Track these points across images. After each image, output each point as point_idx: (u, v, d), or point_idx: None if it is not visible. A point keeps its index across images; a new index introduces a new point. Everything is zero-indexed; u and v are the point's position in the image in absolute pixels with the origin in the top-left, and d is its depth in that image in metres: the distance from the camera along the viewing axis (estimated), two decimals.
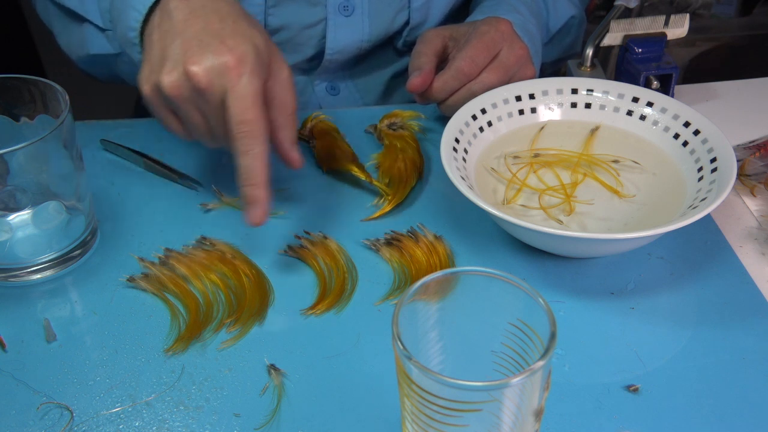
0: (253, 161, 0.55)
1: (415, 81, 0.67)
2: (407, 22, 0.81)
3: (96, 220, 0.62)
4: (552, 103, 0.68)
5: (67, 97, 0.56)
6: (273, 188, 0.54)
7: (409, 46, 0.83)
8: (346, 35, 0.79)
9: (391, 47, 0.85)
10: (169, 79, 0.55)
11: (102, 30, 0.68)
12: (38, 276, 0.59)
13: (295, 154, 0.60)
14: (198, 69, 0.54)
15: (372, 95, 0.87)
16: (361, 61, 0.83)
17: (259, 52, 0.56)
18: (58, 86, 0.57)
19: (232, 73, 0.54)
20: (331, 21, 0.78)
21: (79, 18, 0.70)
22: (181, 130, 0.60)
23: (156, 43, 0.57)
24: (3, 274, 0.58)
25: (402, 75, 0.87)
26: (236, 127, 0.54)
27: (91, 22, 0.68)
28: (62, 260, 0.59)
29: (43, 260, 0.58)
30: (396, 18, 0.80)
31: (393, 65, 0.86)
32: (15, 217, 0.58)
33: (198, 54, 0.54)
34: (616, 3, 0.77)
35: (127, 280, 0.58)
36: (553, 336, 0.37)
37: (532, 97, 0.68)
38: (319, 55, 0.81)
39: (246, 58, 0.54)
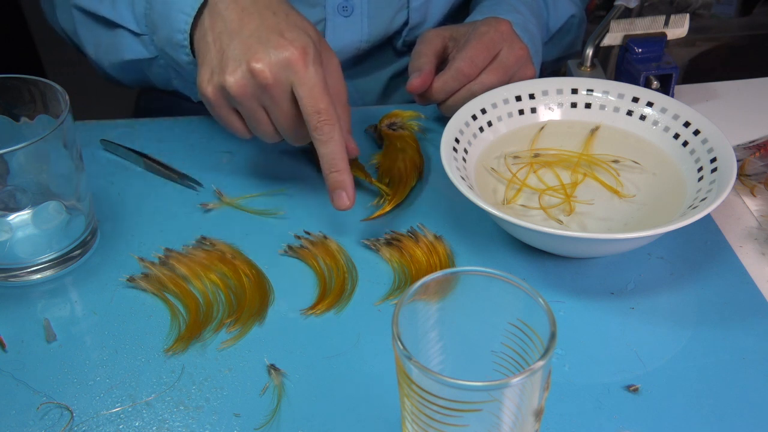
0: (334, 147, 0.57)
1: (414, 82, 0.67)
2: (406, 22, 0.81)
3: (96, 220, 0.62)
4: (552, 103, 0.68)
5: (67, 97, 0.56)
6: (273, 188, 0.54)
7: (409, 46, 0.83)
8: (346, 36, 0.79)
9: (391, 47, 0.85)
10: (234, 78, 0.56)
11: (137, 35, 0.68)
12: (38, 276, 0.59)
13: (352, 143, 0.62)
14: (262, 66, 0.55)
15: (371, 95, 0.87)
16: (360, 61, 0.83)
17: (315, 43, 0.57)
18: (58, 86, 0.57)
19: (298, 65, 0.55)
20: (330, 21, 0.78)
21: (111, 25, 0.69)
22: (243, 129, 0.61)
23: (212, 44, 0.58)
24: (3, 274, 0.58)
25: (401, 75, 0.87)
26: (313, 117, 0.55)
27: (125, 28, 0.68)
28: (62, 260, 0.59)
29: (43, 260, 0.58)
30: (395, 18, 0.80)
31: (392, 65, 0.86)
32: (15, 217, 0.58)
33: (260, 51, 0.55)
34: (616, 3, 0.77)
35: (127, 280, 0.58)
36: (553, 336, 0.37)
37: (532, 97, 0.68)
38: None
39: (308, 48, 0.55)
